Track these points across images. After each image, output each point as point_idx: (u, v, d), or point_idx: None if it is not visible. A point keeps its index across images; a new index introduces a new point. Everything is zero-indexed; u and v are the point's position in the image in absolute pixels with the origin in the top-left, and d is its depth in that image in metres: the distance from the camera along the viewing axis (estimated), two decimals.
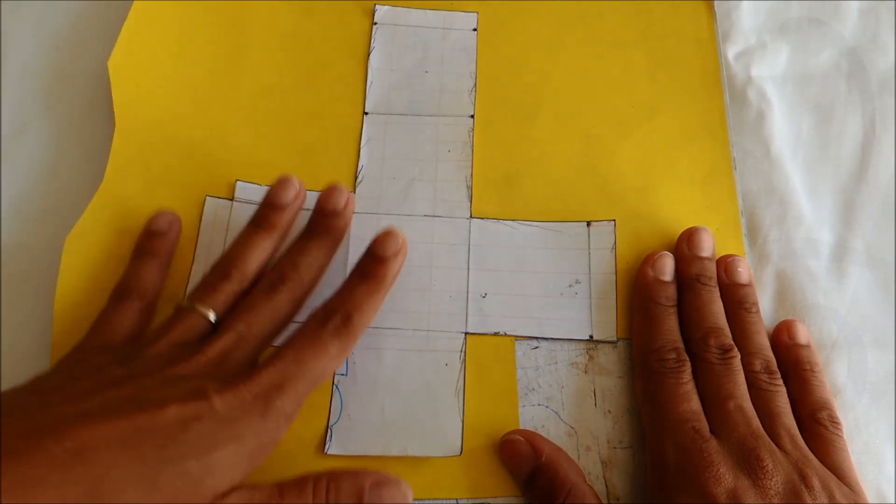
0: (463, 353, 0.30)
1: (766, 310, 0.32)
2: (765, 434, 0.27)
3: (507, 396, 0.30)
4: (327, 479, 0.24)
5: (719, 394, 0.28)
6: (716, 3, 0.38)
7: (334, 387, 0.30)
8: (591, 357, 0.31)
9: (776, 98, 0.36)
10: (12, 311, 0.31)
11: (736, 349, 0.29)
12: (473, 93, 0.36)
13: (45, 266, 0.31)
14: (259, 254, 0.29)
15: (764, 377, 0.28)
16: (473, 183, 0.34)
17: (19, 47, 0.36)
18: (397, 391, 0.30)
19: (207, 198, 0.33)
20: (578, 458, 0.29)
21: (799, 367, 0.30)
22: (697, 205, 0.34)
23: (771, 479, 0.25)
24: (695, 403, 0.28)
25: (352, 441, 0.29)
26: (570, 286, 0.32)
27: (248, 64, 0.36)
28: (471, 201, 0.33)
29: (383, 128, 0.35)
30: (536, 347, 0.31)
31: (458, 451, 0.29)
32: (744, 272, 0.31)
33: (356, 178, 0.34)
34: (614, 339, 0.31)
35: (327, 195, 0.30)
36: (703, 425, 0.27)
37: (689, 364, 0.29)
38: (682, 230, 0.32)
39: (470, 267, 0.32)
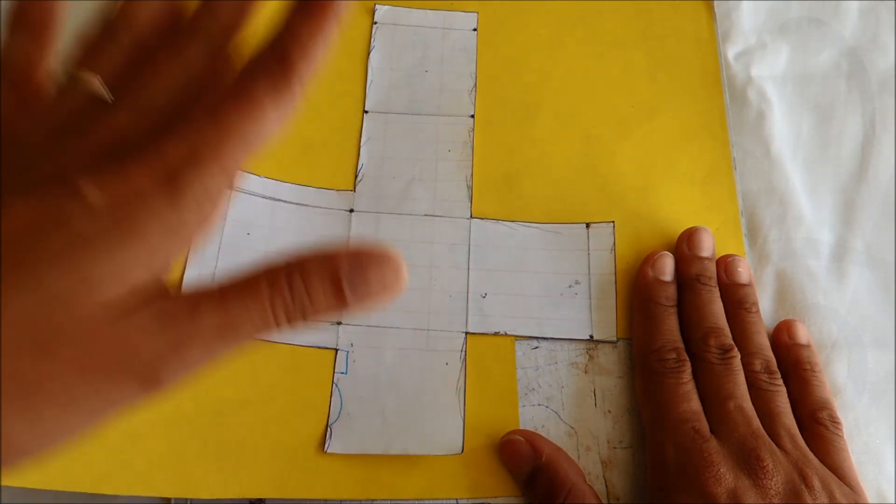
0: (463, 353, 0.30)
1: (766, 310, 0.32)
2: (765, 434, 0.27)
3: (507, 396, 0.30)
4: (287, 271, 0.18)
5: (719, 394, 0.28)
6: (716, 3, 0.38)
7: (334, 385, 0.30)
8: (591, 357, 0.31)
9: (776, 98, 0.36)
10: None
11: (736, 349, 0.29)
12: (473, 93, 0.36)
13: None
14: None
15: (764, 377, 0.28)
16: (473, 183, 0.34)
17: None
18: (397, 390, 0.30)
19: None
20: (578, 458, 0.29)
21: (799, 367, 0.30)
22: (697, 205, 0.34)
23: (771, 479, 0.25)
24: (695, 403, 0.28)
25: (352, 440, 0.29)
26: (569, 286, 0.32)
27: None
28: (471, 201, 0.33)
29: (383, 127, 0.35)
30: (536, 347, 0.31)
31: (459, 450, 0.29)
32: (744, 272, 0.31)
33: (356, 176, 0.34)
34: (614, 339, 0.31)
35: None
36: (704, 425, 0.27)
37: (689, 364, 0.28)
38: (682, 230, 0.32)
39: (470, 267, 0.32)
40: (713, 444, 0.26)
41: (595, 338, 0.31)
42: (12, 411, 0.16)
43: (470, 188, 0.34)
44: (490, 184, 0.34)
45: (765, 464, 0.25)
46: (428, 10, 0.37)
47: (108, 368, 0.17)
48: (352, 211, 0.33)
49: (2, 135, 0.19)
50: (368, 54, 0.36)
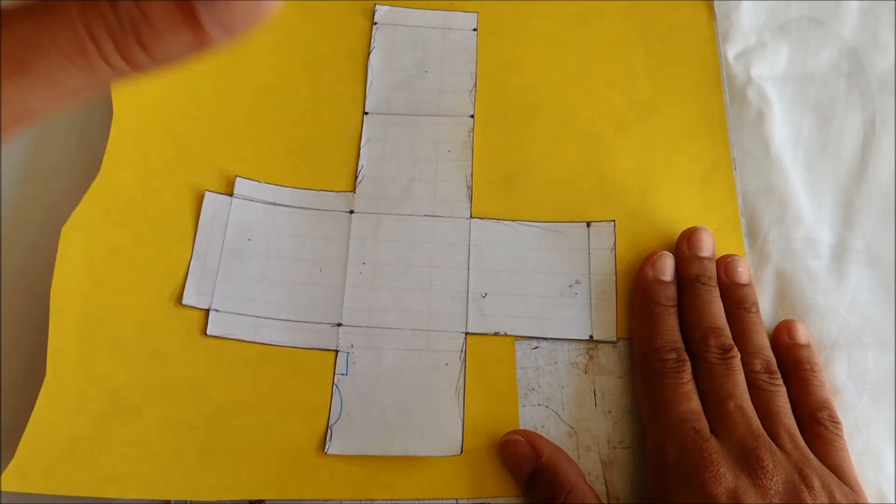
0: (463, 353, 0.30)
1: (766, 310, 0.32)
2: (765, 434, 0.27)
3: (507, 396, 0.30)
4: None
5: (719, 394, 0.28)
6: (716, 3, 0.38)
7: (334, 387, 0.30)
8: (591, 357, 0.31)
9: (776, 98, 0.36)
10: (8, 303, 0.31)
11: (736, 349, 0.29)
12: (473, 93, 0.36)
13: (41, 258, 0.31)
14: None
15: (764, 377, 0.28)
16: (473, 183, 0.34)
17: None
18: (397, 391, 0.30)
19: (207, 193, 0.32)
20: (578, 458, 0.29)
21: (799, 367, 0.30)
22: (697, 205, 0.34)
23: (771, 479, 0.25)
24: (695, 403, 0.28)
25: (352, 441, 0.29)
26: (570, 286, 0.32)
27: (247, 63, 0.36)
28: (471, 201, 0.33)
29: (383, 128, 0.35)
30: (536, 347, 0.31)
31: (458, 451, 0.29)
32: (744, 272, 0.31)
33: (356, 178, 0.34)
34: (614, 339, 0.31)
35: None
36: (703, 425, 0.27)
37: (689, 364, 0.29)
38: (682, 230, 0.32)
39: (470, 267, 0.32)
40: (713, 443, 0.26)
41: (595, 338, 0.31)
42: None
43: (470, 188, 0.34)
44: (490, 184, 0.34)
45: (765, 464, 0.25)
46: (428, 10, 0.37)
47: None
48: (352, 212, 0.33)
49: None
50: (368, 55, 0.36)
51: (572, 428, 0.30)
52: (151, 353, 0.30)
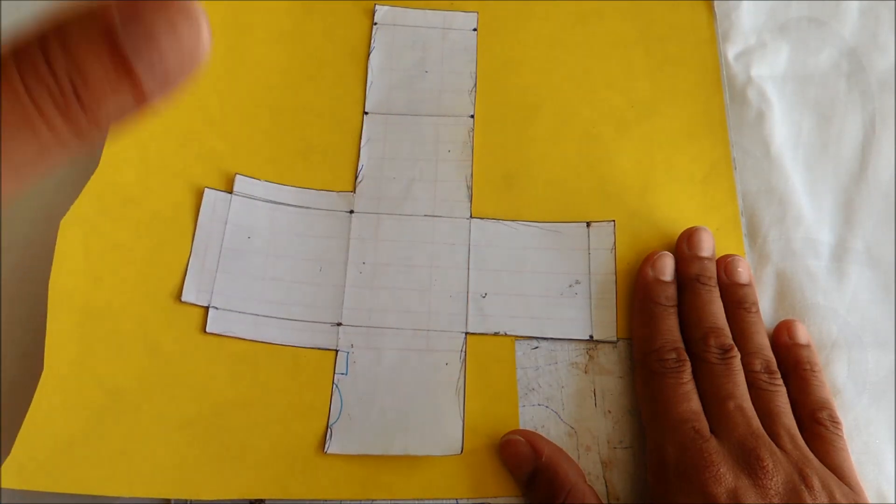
0: (463, 353, 0.30)
1: (766, 310, 0.32)
2: (765, 434, 0.27)
3: (507, 396, 0.30)
4: (38, 33, 0.13)
5: (719, 394, 0.28)
6: (716, 3, 0.38)
7: (334, 386, 0.30)
8: (591, 357, 0.31)
9: (776, 98, 0.36)
10: (6, 298, 0.31)
11: (736, 349, 0.29)
12: (473, 93, 0.36)
13: (39, 253, 0.30)
14: None
15: (764, 377, 0.28)
16: (473, 183, 0.34)
17: None
18: (397, 391, 0.30)
19: (207, 190, 0.32)
20: (578, 458, 0.29)
21: (799, 367, 0.30)
22: (697, 205, 0.34)
23: (771, 479, 0.25)
24: (695, 403, 0.28)
25: (352, 440, 0.29)
26: (570, 286, 0.32)
27: (248, 63, 0.36)
28: (471, 201, 0.33)
29: (383, 127, 0.35)
30: (536, 347, 0.31)
31: (458, 450, 0.29)
32: (744, 272, 0.31)
33: (356, 177, 0.34)
34: (614, 339, 0.31)
35: None
36: (703, 425, 0.27)
37: (689, 364, 0.29)
38: (682, 230, 0.32)
39: (470, 267, 0.32)
40: (713, 443, 0.26)
41: (595, 338, 0.31)
42: None
43: (470, 188, 0.34)
44: (490, 184, 0.34)
45: (765, 464, 0.25)
46: (428, 11, 0.37)
47: None
48: (352, 212, 0.33)
49: None
50: (368, 55, 0.36)
51: (572, 428, 0.30)
52: (150, 349, 0.30)
